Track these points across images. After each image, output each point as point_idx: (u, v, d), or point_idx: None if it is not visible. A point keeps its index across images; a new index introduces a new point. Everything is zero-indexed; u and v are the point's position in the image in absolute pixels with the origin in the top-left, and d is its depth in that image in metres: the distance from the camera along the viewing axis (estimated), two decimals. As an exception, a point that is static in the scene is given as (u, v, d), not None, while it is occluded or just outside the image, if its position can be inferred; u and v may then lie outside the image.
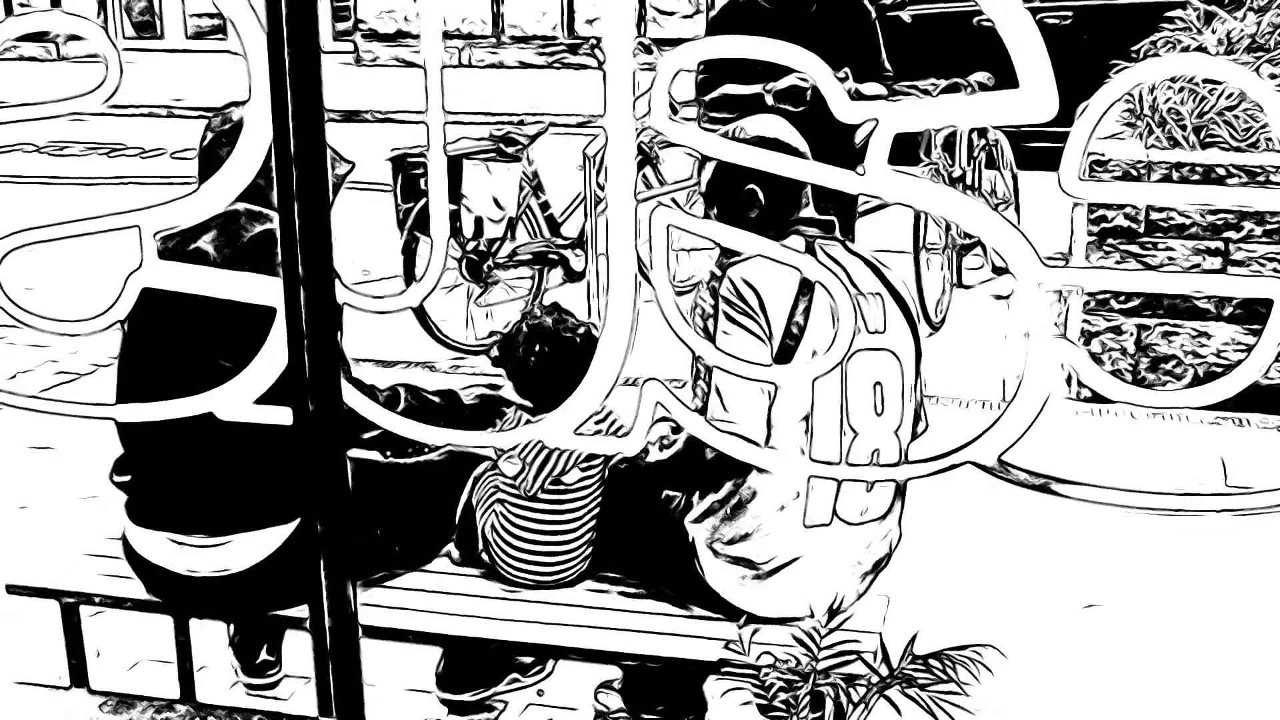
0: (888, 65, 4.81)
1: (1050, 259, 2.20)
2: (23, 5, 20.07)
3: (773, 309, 3.06)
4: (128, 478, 3.28)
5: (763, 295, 3.07)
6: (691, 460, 3.18)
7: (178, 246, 3.13)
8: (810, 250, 3.09)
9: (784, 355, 3.05)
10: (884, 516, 3.21)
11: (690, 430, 2.49)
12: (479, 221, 6.36)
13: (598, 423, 3.17)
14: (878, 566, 3.25)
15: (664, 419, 2.52)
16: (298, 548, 2.90)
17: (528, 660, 3.48)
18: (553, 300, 3.60)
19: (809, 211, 3.24)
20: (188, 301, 2.80)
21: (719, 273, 3.13)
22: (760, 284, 3.08)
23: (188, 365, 2.99)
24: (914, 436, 3.21)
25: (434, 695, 3.41)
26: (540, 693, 3.52)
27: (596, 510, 3.33)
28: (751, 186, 3.20)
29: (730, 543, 3.14)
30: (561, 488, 3.27)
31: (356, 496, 3.24)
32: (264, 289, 2.64)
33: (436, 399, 3.48)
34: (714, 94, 4.30)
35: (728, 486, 3.16)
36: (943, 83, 5.15)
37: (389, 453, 3.37)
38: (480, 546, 3.36)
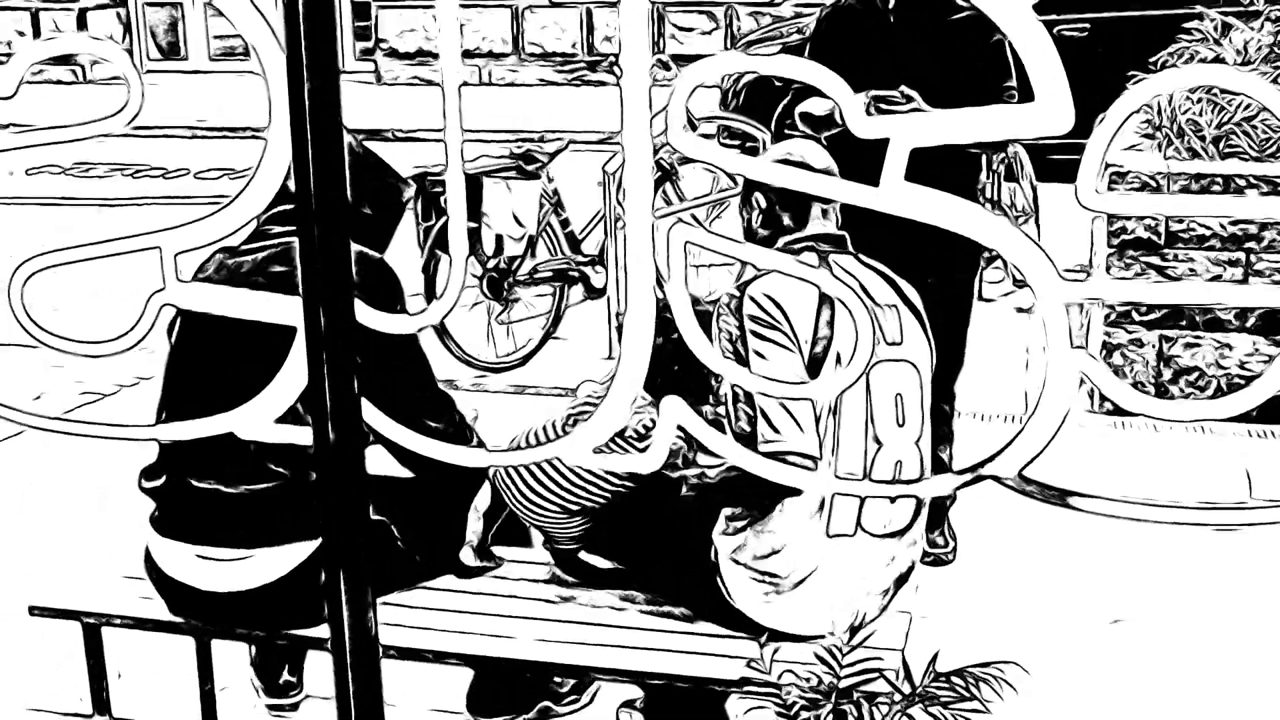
0: (1012, 90, 4.04)
1: (1070, 271, 2.19)
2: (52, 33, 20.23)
3: (797, 321, 3.06)
4: (159, 482, 3.28)
5: (786, 309, 3.07)
6: (731, 490, 3.15)
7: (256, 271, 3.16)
8: (824, 265, 3.08)
9: (813, 368, 3.05)
10: (906, 530, 3.20)
11: (700, 438, 2.47)
12: (499, 239, 6.38)
13: (623, 439, 3.16)
14: (900, 581, 3.24)
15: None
16: (321, 564, 2.90)
17: (564, 690, 3.46)
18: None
19: (820, 227, 3.24)
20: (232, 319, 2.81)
21: (738, 293, 3.12)
22: (783, 298, 3.08)
23: (231, 381, 2.99)
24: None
25: (461, 717, 3.40)
26: (563, 711, 3.51)
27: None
28: (756, 194, 3.25)
29: (758, 558, 3.13)
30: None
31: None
32: (284, 308, 2.64)
33: None
34: (795, 111, 4.19)
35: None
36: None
37: None
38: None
